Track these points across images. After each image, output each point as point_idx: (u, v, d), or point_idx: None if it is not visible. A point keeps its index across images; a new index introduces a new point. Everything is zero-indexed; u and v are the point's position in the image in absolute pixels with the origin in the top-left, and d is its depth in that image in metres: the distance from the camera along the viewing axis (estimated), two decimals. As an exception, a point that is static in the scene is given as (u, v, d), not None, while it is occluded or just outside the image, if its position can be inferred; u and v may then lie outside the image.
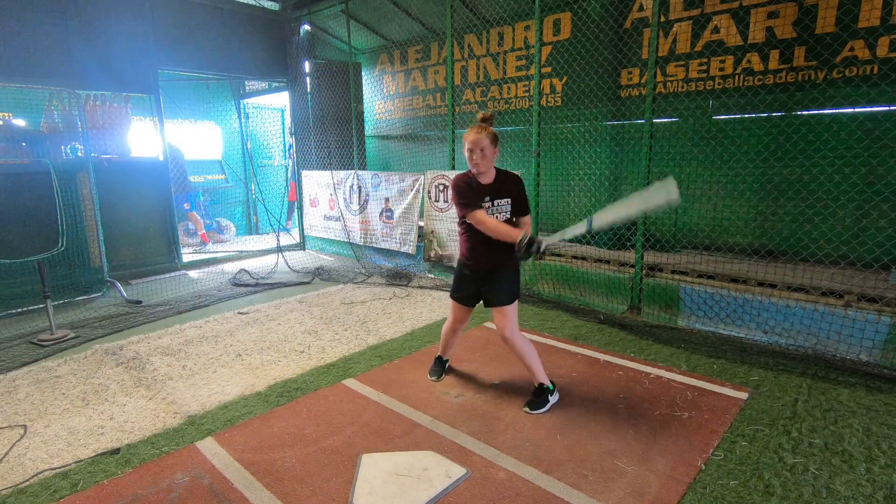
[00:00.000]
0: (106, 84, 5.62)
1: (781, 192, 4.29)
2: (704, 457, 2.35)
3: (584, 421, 2.68)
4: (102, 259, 5.50)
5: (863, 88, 3.85)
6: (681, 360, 3.43)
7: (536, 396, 2.83)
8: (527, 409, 2.78)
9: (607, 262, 4.60)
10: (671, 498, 2.08)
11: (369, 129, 8.03)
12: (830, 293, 3.47)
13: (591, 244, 5.08)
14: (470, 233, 2.78)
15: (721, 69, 4.53)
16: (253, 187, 8.79)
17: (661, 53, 4.81)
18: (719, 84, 4.55)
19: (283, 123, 9.24)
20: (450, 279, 5.59)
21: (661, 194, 2.26)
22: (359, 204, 6.56)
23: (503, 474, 2.25)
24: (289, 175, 8.77)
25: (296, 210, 8.67)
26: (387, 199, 6.15)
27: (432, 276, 5.83)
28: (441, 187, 5.52)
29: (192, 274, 6.27)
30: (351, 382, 3.18)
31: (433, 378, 3.21)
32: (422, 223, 5.87)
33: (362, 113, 7.33)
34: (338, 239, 7.09)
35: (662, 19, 4.72)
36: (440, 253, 5.69)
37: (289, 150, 8.50)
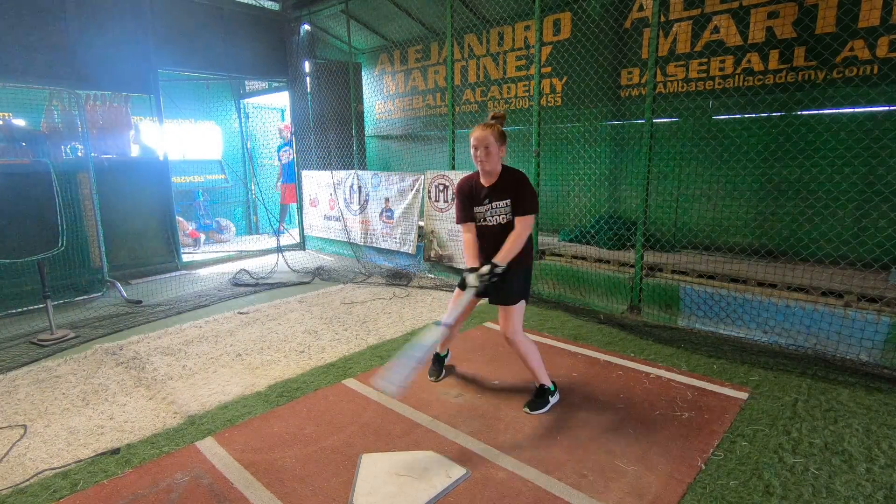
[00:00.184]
0: (106, 84, 5.62)
1: (781, 192, 4.29)
2: (704, 457, 2.35)
3: (584, 421, 2.68)
4: (102, 259, 5.50)
5: (863, 88, 3.85)
6: (681, 360, 3.43)
7: (537, 397, 2.83)
8: (527, 410, 2.77)
9: (607, 262, 4.60)
10: (671, 498, 2.08)
11: (369, 129, 8.03)
12: (830, 293, 3.47)
13: (590, 244, 5.08)
14: (490, 232, 2.76)
15: (721, 69, 4.53)
16: (253, 187, 8.79)
17: (661, 53, 4.81)
18: (719, 84, 4.55)
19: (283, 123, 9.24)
20: (450, 279, 5.59)
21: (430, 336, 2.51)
22: (359, 204, 6.56)
23: (503, 474, 2.25)
24: (277, 176, 8.60)
25: (288, 213, 8.62)
26: (387, 199, 6.15)
27: (432, 276, 5.83)
28: (441, 187, 5.52)
29: (192, 274, 6.27)
30: (351, 382, 3.19)
31: (432, 378, 3.21)
32: (422, 223, 5.87)
33: (362, 113, 7.34)
34: (338, 239, 7.09)
35: (662, 19, 4.72)
36: (440, 253, 5.69)
37: (279, 149, 8.35)
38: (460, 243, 5.39)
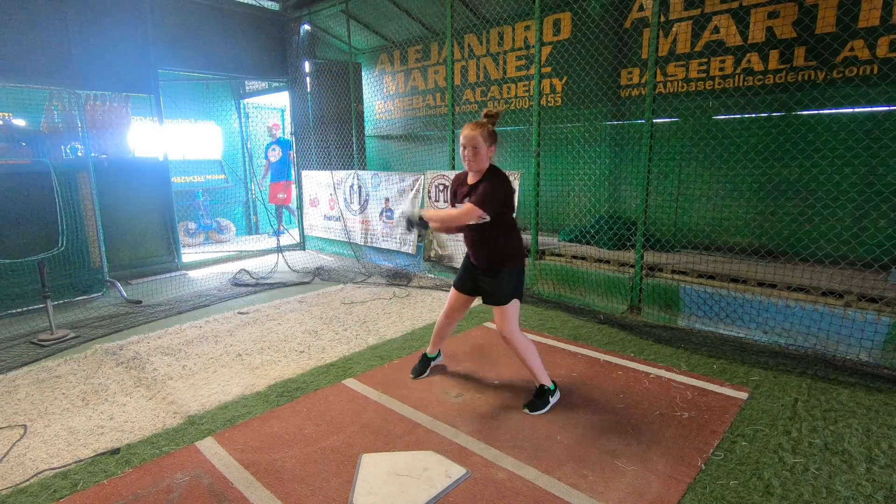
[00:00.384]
0: (106, 84, 5.62)
1: (781, 192, 4.29)
2: (704, 457, 2.35)
3: (584, 421, 2.68)
4: (102, 259, 5.50)
5: (863, 88, 3.85)
6: (681, 360, 3.43)
7: (537, 398, 2.82)
8: (526, 411, 2.77)
9: (607, 262, 4.60)
10: (671, 498, 2.08)
11: (369, 129, 8.03)
12: (830, 293, 3.47)
13: (590, 244, 5.08)
14: (471, 230, 2.78)
15: (721, 69, 4.53)
16: (253, 187, 8.79)
17: (661, 53, 4.81)
18: (719, 84, 4.55)
19: (282, 123, 9.24)
20: (450, 279, 5.59)
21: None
22: (359, 204, 6.56)
23: (503, 474, 2.25)
24: (263, 175, 8.48)
25: (281, 214, 8.56)
26: (387, 199, 6.15)
27: (432, 276, 5.83)
28: (441, 187, 5.52)
29: (192, 274, 6.27)
30: (351, 382, 3.19)
31: (412, 375, 3.21)
32: (422, 223, 5.86)
33: (362, 113, 7.34)
34: (338, 239, 7.09)
35: (662, 19, 4.72)
36: (440, 253, 5.69)
37: (267, 148, 8.26)
38: (460, 243, 5.39)
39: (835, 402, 2.83)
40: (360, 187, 6.50)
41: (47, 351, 3.80)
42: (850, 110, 3.94)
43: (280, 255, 6.73)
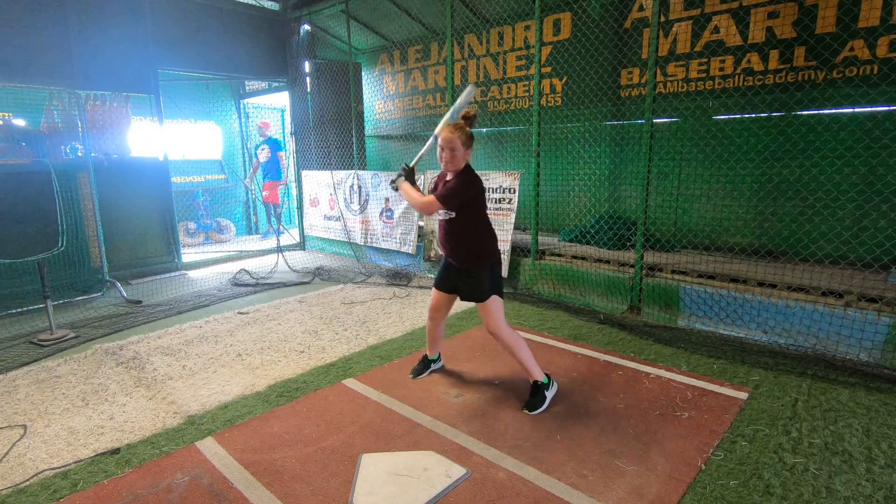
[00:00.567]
0: (106, 84, 5.62)
1: (781, 192, 4.29)
2: (704, 457, 2.35)
3: (584, 421, 2.68)
4: (102, 259, 5.50)
5: (863, 88, 3.85)
6: (681, 360, 3.43)
7: (533, 396, 2.83)
8: (526, 411, 2.77)
9: (607, 262, 4.60)
10: (671, 498, 2.08)
11: (369, 129, 8.03)
12: (830, 293, 3.47)
13: (590, 244, 5.08)
14: (442, 227, 2.86)
15: (721, 69, 4.53)
16: (253, 187, 8.79)
17: (661, 53, 4.81)
18: (719, 84, 4.55)
19: (282, 123, 9.24)
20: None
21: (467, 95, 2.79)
22: (359, 204, 6.56)
23: (503, 474, 2.25)
24: (250, 175, 8.41)
25: (273, 214, 8.52)
26: (387, 199, 6.15)
27: (432, 275, 5.82)
28: (441, 187, 5.51)
29: (192, 274, 6.27)
30: (351, 382, 3.19)
31: (411, 375, 3.23)
32: (422, 223, 5.87)
33: (362, 113, 7.34)
34: (338, 239, 7.10)
35: (662, 19, 4.72)
36: (440, 253, 5.68)
37: (256, 148, 8.21)
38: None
39: (835, 402, 2.83)
40: (360, 187, 6.50)
41: (47, 351, 3.80)
42: (850, 110, 3.94)
43: (280, 255, 6.73)
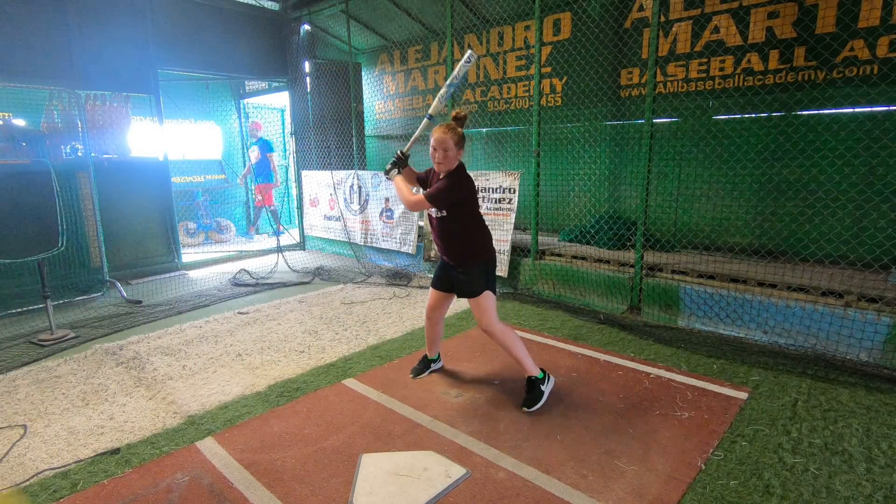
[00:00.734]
0: (106, 84, 5.62)
1: (781, 192, 4.29)
2: (704, 457, 2.35)
3: (584, 421, 2.68)
4: (102, 259, 5.50)
5: (863, 88, 3.85)
6: (681, 360, 3.43)
7: (530, 392, 2.83)
8: (525, 409, 2.77)
9: (607, 262, 4.60)
10: (671, 498, 2.08)
11: (369, 129, 8.03)
12: (830, 293, 3.47)
13: (590, 244, 5.08)
14: (434, 225, 2.88)
15: (721, 69, 4.53)
16: (251, 185, 8.79)
17: (661, 53, 4.81)
18: (719, 84, 4.55)
19: (282, 123, 9.24)
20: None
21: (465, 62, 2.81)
22: (359, 204, 6.56)
23: (503, 474, 2.25)
24: (242, 175, 8.43)
25: (264, 215, 8.45)
26: (387, 199, 6.15)
27: (432, 275, 5.82)
28: (441, 187, 5.51)
29: (192, 274, 6.28)
30: (351, 382, 3.19)
31: (411, 375, 3.24)
32: (422, 223, 5.87)
33: (362, 113, 7.34)
34: (338, 239, 7.09)
35: (662, 19, 4.72)
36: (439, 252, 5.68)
37: (248, 149, 8.17)
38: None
39: (835, 402, 2.83)
40: (360, 187, 6.50)
41: (47, 351, 3.80)
42: (850, 110, 3.94)
43: (280, 255, 6.73)
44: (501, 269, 5.01)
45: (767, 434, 2.53)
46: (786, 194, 4.27)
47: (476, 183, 4.23)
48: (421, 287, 5.42)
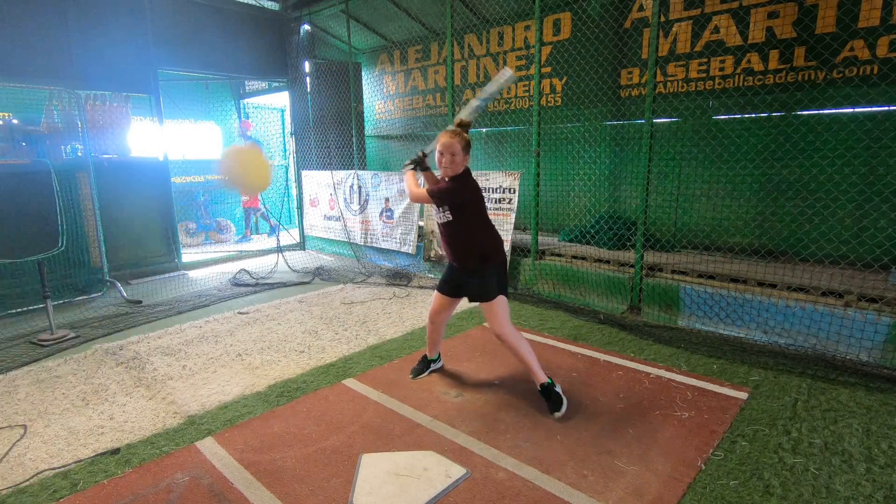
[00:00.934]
0: (106, 84, 5.62)
1: (781, 192, 4.29)
2: (704, 457, 2.35)
3: (584, 421, 2.68)
4: (102, 259, 5.50)
5: (863, 88, 3.85)
6: (681, 360, 3.43)
7: (549, 398, 2.77)
8: (556, 414, 2.70)
9: (607, 262, 4.60)
10: (671, 498, 2.08)
11: (369, 129, 8.03)
12: (830, 293, 3.47)
13: (590, 244, 5.08)
14: (441, 231, 2.87)
15: (721, 69, 4.53)
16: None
17: (661, 53, 4.81)
18: (719, 84, 4.55)
19: (282, 123, 9.24)
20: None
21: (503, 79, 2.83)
22: (359, 204, 6.56)
23: (503, 474, 2.25)
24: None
25: (254, 217, 8.38)
26: (387, 199, 6.15)
27: (432, 276, 5.82)
28: (441, 187, 5.51)
29: (192, 274, 6.28)
30: (351, 382, 3.19)
31: (411, 375, 3.24)
32: (422, 223, 5.87)
33: (362, 113, 7.34)
34: (338, 239, 7.10)
35: (662, 19, 4.72)
36: (440, 253, 5.69)
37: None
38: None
39: (835, 402, 2.83)
40: (360, 187, 6.50)
41: (47, 351, 3.80)
42: (850, 110, 3.94)
43: (280, 255, 6.73)
44: (507, 270, 5.01)
45: (767, 434, 2.53)
46: (786, 194, 4.27)
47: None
48: (421, 287, 5.42)
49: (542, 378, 2.81)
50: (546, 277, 4.93)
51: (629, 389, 3.03)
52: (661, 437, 2.51)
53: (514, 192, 4.93)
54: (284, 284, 5.65)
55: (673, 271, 4.22)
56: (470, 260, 2.82)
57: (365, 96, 7.68)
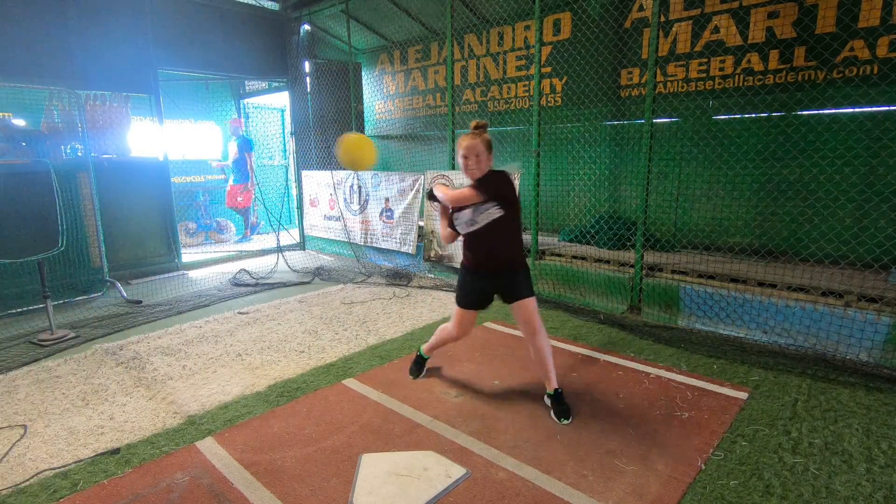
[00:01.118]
0: (106, 84, 5.62)
1: (781, 192, 4.29)
2: (704, 457, 2.35)
3: (584, 421, 2.68)
4: (102, 259, 5.50)
5: (863, 88, 3.85)
6: (681, 360, 3.43)
7: (561, 404, 2.74)
8: (565, 421, 2.67)
9: (607, 262, 4.60)
10: (671, 498, 2.08)
11: (369, 129, 8.03)
12: (830, 293, 3.47)
13: (590, 244, 5.08)
14: (470, 235, 2.75)
15: (721, 69, 4.53)
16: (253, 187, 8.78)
17: (661, 53, 4.81)
18: (719, 84, 4.55)
19: (282, 123, 9.24)
20: (450, 279, 5.59)
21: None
22: (359, 204, 6.56)
23: (503, 474, 2.25)
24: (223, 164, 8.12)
25: (248, 217, 8.32)
26: (387, 199, 6.15)
27: (432, 276, 5.83)
28: (441, 187, 5.51)
29: (192, 274, 6.28)
30: (351, 382, 3.19)
31: (412, 377, 3.22)
32: (422, 223, 5.87)
33: (362, 113, 7.34)
34: (338, 239, 7.10)
35: (662, 19, 4.72)
36: (440, 253, 5.69)
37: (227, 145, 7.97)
38: (460, 243, 5.39)
39: (835, 402, 2.83)
40: (360, 187, 6.50)
41: (47, 351, 3.80)
42: (850, 110, 3.94)
43: (280, 255, 6.73)
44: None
45: (767, 434, 2.53)
46: (786, 194, 4.27)
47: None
48: (421, 287, 5.42)
49: (555, 384, 2.78)
50: (546, 277, 4.93)
51: (629, 389, 3.03)
52: (660, 437, 2.51)
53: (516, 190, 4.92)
54: (284, 284, 5.65)
55: (673, 271, 4.22)
56: (519, 253, 2.78)
57: (365, 96, 7.68)
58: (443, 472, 2.26)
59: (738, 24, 4.37)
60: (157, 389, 3.14)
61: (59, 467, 2.36)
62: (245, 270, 6.13)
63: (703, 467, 2.27)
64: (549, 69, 5.69)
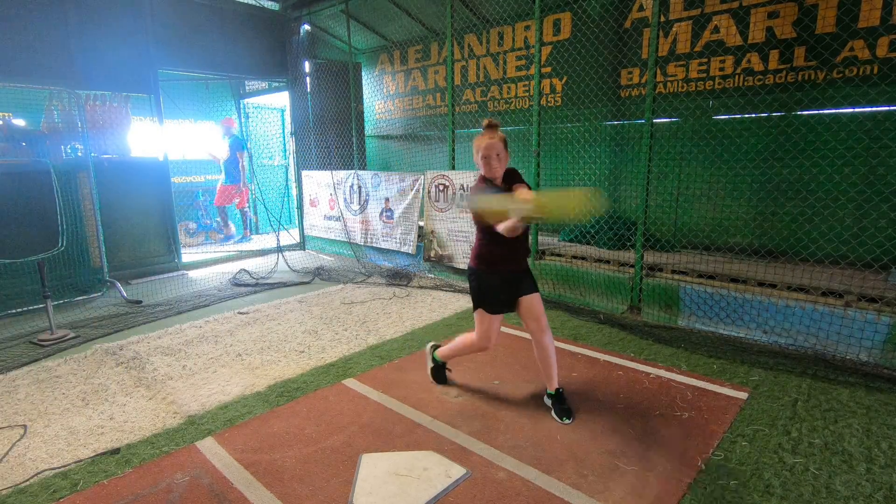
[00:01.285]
0: (106, 84, 5.62)
1: (781, 192, 4.29)
2: (704, 457, 2.35)
3: (584, 421, 2.68)
4: (102, 259, 5.50)
5: (863, 88, 3.85)
6: (681, 360, 3.43)
7: (563, 403, 2.74)
8: (567, 421, 2.66)
9: (607, 262, 4.60)
10: (671, 498, 2.08)
11: (369, 129, 8.03)
12: (830, 293, 3.47)
13: (590, 244, 5.08)
14: (490, 236, 2.61)
15: (721, 69, 4.53)
16: (253, 187, 8.78)
17: (661, 53, 4.81)
18: (719, 84, 4.55)
19: (282, 123, 9.24)
20: (450, 279, 5.59)
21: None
22: (359, 204, 6.56)
23: (503, 474, 2.25)
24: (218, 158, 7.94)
25: (237, 215, 8.23)
26: (387, 199, 6.15)
27: (432, 275, 5.83)
28: (441, 187, 5.52)
29: (192, 274, 6.27)
30: (351, 382, 3.19)
31: (439, 384, 3.13)
32: (422, 223, 5.87)
33: (362, 113, 7.33)
34: (338, 239, 7.10)
35: (662, 19, 4.72)
36: (440, 253, 5.69)
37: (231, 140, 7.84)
38: (460, 243, 5.39)
39: (835, 402, 2.83)
40: (360, 187, 6.50)
41: (47, 351, 3.80)
42: (850, 110, 3.94)
43: (280, 255, 6.73)
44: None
45: (767, 434, 2.53)
46: (786, 194, 4.27)
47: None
48: (421, 287, 5.42)
49: (557, 384, 2.78)
50: (546, 277, 4.93)
51: (629, 389, 3.03)
52: (661, 437, 2.51)
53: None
54: (284, 284, 5.65)
55: (673, 271, 4.22)
56: (527, 253, 2.84)
57: (365, 96, 7.68)
58: (443, 471, 2.26)
59: (738, 24, 4.37)
60: (157, 389, 3.14)
61: (59, 467, 2.36)
62: (245, 270, 6.13)
63: (703, 467, 2.27)
64: (549, 69, 5.69)
